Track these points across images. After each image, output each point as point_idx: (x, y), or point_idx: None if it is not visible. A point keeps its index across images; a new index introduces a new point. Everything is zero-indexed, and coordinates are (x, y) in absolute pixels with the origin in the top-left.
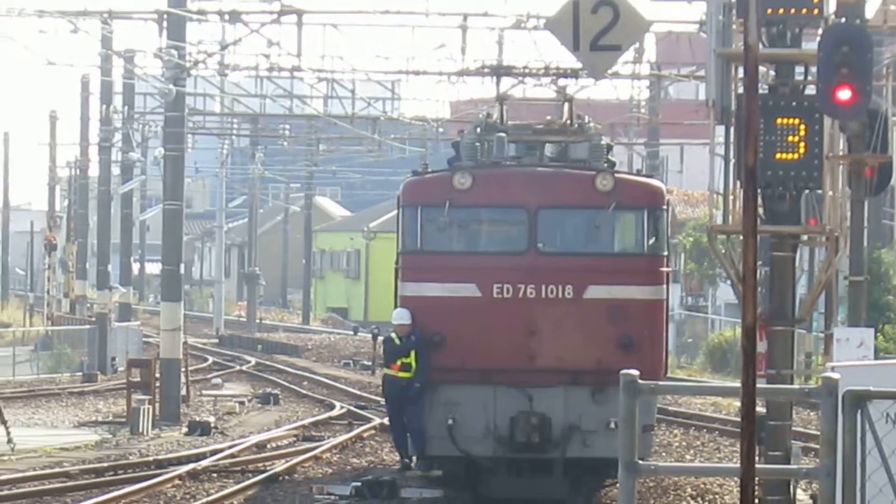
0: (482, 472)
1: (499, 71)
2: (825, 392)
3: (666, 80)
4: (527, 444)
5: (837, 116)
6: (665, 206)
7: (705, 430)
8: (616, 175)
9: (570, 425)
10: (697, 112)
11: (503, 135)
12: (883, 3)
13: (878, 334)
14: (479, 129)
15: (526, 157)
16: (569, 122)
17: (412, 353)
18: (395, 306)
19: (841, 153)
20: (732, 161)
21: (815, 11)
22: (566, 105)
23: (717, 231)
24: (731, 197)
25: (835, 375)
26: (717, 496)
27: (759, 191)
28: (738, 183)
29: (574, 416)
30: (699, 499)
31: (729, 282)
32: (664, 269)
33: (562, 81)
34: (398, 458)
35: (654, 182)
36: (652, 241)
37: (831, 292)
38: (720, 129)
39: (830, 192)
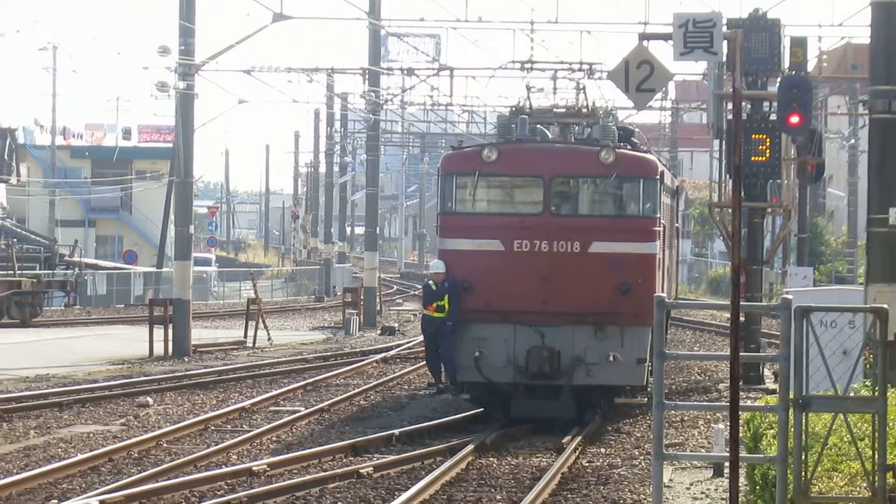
0: (503, 396)
1: (525, 65)
2: (783, 307)
3: (682, 111)
4: (539, 373)
5: (790, 133)
6: (658, 177)
7: (706, 332)
8: (617, 150)
9: (575, 358)
10: (702, 131)
11: (525, 117)
12: (818, 61)
13: (815, 271)
14: (511, 112)
15: (559, 136)
16: (582, 107)
17: (446, 297)
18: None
19: (793, 156)
20: (724, 162)
21: (777, 67)
22: (580, 94)
23: (715, 206)
24: (723, 184)
25: (789, 297)
26: (713, 373)
27: (741, 180)
28: (728, 175)
29: (579, 350)
30: (703, 374)
31: (722, 238)
32: (656, 228)
33: (577, 75)
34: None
35: (650, 157)
36: (647, 205)
37: (786, 245)
38: (716, 142)
39: (786, 181)
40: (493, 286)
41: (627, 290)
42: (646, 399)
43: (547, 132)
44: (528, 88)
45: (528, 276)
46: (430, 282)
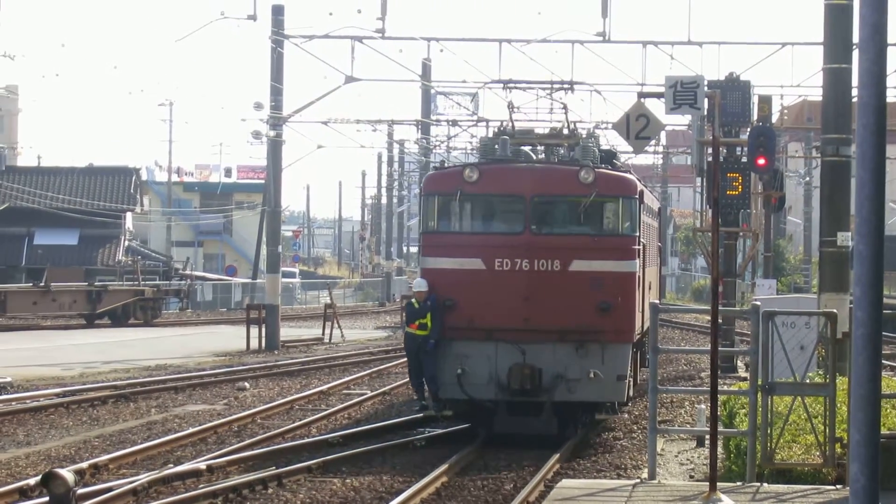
0: (485, 413)
1: (507, 83)
2: (753, 311)
3: (671, 154)
4: (521, 389)
5: (758, 173)
6: (637, 196)
7: (691, 331)
8: (596, 170)
9: (556, 375)
10: (687, 170)
11: (507, 138)
12: (780, 114)
13: (778, 283)
14: (494, 134)
15: (542, 156)
16: (563, 129)
17: (428, 315)
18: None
19: (760, 191)
20: (705, 195)
21: (747, 119)
22: (564, 114)
23: (698, 230)
24: (703, 213)
25: (758, 303)
26: (697, 363)
27: (719, 210)
28: (708, 206)
29: (560, 368)
30: (688, 364)
31: (703, 256)
32: (636, 246)
33: (558, 94)
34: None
35: (629, 176)
36: (626, 224)
37: (755, 261)
38: (699, 180)
39: (754, 211)
40: (476, 304)
41: (607, 308)
42: (625, 414)
43: (531, 154)
44: (510, 108)
45: (510, 295)
46: (413, 300)
